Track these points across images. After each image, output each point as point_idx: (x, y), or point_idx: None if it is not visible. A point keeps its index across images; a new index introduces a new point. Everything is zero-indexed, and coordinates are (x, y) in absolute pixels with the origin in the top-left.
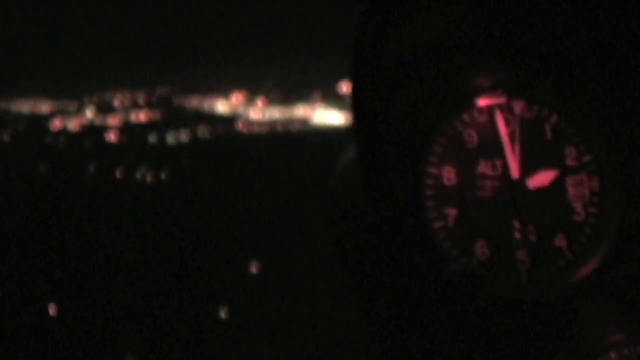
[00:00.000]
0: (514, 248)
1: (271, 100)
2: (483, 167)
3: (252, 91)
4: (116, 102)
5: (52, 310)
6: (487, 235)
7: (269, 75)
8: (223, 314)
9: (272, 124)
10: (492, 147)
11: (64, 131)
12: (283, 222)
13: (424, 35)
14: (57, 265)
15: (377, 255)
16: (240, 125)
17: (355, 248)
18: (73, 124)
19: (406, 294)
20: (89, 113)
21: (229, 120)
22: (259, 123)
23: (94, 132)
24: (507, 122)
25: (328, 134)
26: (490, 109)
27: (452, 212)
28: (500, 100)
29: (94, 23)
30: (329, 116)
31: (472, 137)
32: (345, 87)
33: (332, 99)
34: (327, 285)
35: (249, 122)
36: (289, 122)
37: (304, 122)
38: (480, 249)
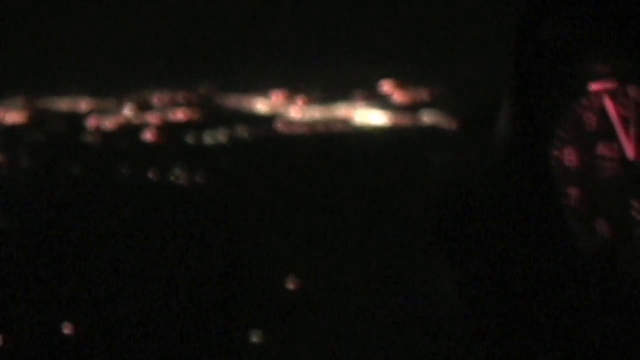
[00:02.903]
0: (633, 226)
1: (311, 100)
2: (602, 149)
3: (292, 90)
4: (155, 100)
5: (67, 329)
6: (607, 214)
7: (309, 74)
8: (255, 337)
9: (312, 124)
10: (609, 130)
11: (99, 130)
12: (325, 231)
13: (557, 27)
14: (77, 277)
15: (497, 247)
16: (279, 125)
17: (472, 242)
18: (109, 123)
19: (529, 278)
20: (128, 111)
21: (268, 120)
22: (299, 123)
23: (130, 130)
24: (622, 106)
25: (370, 134)
26: (602, 94)
27: (573, 191)
28: (611, 85)
29: (135, 20)
30: (370, 116)
31: (590, 120)
32: (386, 87)
33: (374, 98)
34: (374, 302)
35: (289, 122)
36: (330, 122)
37: (346, 122)
38: (601, 227)
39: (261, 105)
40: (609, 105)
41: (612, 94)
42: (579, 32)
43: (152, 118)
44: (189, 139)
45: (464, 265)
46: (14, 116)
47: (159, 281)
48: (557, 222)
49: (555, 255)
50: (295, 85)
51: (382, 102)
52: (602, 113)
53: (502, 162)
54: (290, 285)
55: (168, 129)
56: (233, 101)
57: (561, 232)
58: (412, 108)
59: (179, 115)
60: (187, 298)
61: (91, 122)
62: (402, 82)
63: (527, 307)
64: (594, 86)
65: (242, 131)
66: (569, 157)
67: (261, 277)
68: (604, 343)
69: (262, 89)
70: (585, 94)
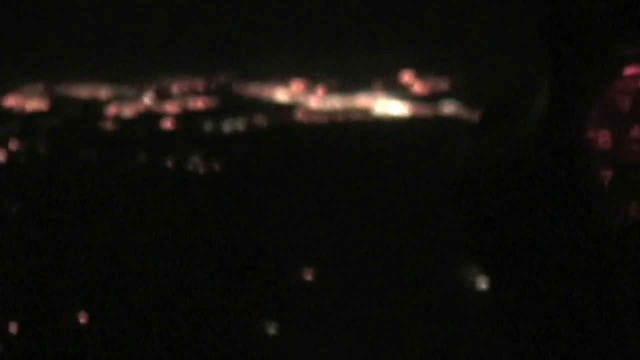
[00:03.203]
0: None
1: (332, 89)
2: (635, 132)
3: (312, 79)
4: (174, 89)
5: (82, 318)
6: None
7: (329, 63)
8: (272, 329)
9: (332, 113)
10: None
11: (118, 117)
12: (343, 222)
13: (590, 10)
14: (92, 266)
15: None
16: (299, 114)
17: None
18: (129, 110)
19: (558, 259)
20: (147, 99)
21: (288, 109)
22: (319, 112)
23: (149, 118)
24: None
25: (390, 125)
26: (637, 77)
27: (607, 174)
28: None
29: (154, 7)
30: (390, 106)
31: (624, 103)
32: (406, 77)
33: (394, 88)
34: (391, 293)
35: (309, 112)
36: (350, 111)
37: (365, 112)
38: (634, 209)
39: (281, 94)
40: None
41: None
42: (612, 14)
43: (171, 106)
44: (207, 127)
45: (490, 248)
46: (32, 103)
47: (173, 271)
48: (588, 204)
49: (586, 237)
50: (315, 74)
51: (401, 92)
52: (637, 96)
53: (533, 145)
54: (307, 277)
55: (186, 117)
56: (252, 89)
57: (592, 214)
58: (432, 98)
59: (198, 103)
60: (201, 289)
61: (110, 110)
62: (422, 71)
63: (554, 290)
64: (628, 69)
65: (261, 120)
66: (603, 139)
67: (277, 268)
68: (632, 325)
69: (282, 77)
70: (620, 77)
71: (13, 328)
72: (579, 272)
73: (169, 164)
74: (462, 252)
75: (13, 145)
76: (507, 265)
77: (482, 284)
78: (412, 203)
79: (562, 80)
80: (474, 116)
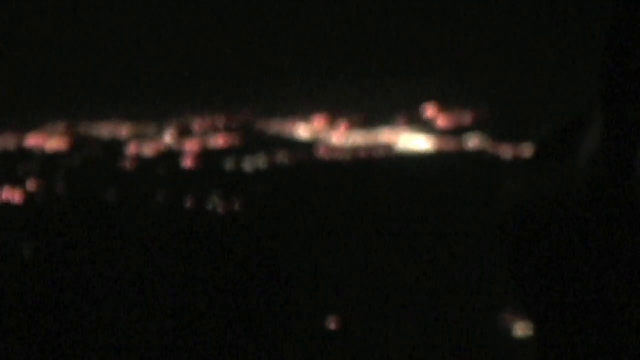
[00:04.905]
0: None
1: (354, 123)
2: None
3: (334, 114)
4: (196, 126)
5: None
6: None
7: (350, 97)
8: None
9: (354, 150)
10: None
11: (138, 156)
12: (368, 266)
13: None
14: (109, 306)
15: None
16: (321, 151)
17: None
18: (149, 149)
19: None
20: (168, 137)
21: (309, 146)
22: (341, 149)
23: (169, 157)
24: None
25: (415, 161)
26: None
27: None
28: None
29: (176, 46)
30: (414, 141)
31: None
32: (429, 111)
33: (417, 122)
34: (421, 342)
35: (331, 148)
36: (373, 148)
37: (389, 148)
38: None
39: (303, 131)
40: None
41: None
42: None
43: (192, 144)
44: (228, 165)
45: (540, 292)
46: (54, 142)
47: (193, 314)
48: None
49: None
50: (337, 108)
51: (425, 126)
52: None
53: (586, 184)
54: (331, 326)
55: (207, 156)
56: (274, 126)
57: None
58: (456, 132)
59: (219, 141)
60: (220, 335)
61: (131, 149)
62: (445, 104)
63: (603, 340)
64: None
65: (282, 157)
66: None
67: (300, 315)
68: None
69: (304, 112)
70: None
71: None
72: (634, 322)
73: (189, 204)
74: (496, 297)
75: (31, 186)
76: (556, 311)
77: (519, 331)
78: (440, 243)
79: (616, 116)
80: (499, 150)
